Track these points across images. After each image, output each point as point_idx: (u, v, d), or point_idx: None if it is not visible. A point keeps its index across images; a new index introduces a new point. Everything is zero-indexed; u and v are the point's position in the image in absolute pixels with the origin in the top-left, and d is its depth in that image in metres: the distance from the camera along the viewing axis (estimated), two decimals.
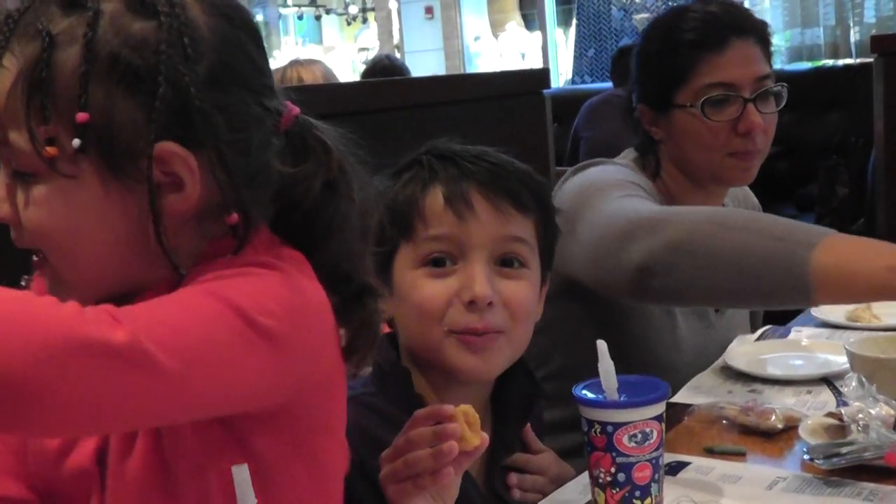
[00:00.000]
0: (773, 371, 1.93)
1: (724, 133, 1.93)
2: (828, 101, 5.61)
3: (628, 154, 2.09)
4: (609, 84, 6.06)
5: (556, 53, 8.20)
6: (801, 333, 2.18)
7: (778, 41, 6.04)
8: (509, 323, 1.43)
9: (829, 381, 1.86)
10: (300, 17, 15.10)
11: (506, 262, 1.44)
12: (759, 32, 1.98)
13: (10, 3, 1.04)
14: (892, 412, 1.52)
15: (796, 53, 5.99)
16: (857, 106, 5.28)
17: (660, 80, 1.99)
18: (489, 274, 1.41)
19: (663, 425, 1.32)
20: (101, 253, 1.07)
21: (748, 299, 1.72)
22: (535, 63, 10.32)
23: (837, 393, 1.79)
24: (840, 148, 5.15)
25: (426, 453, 1.20)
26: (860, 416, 1.51)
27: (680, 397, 1.83)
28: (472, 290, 1.39)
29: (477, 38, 10.91)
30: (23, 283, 1.12)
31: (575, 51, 8.22)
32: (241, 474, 0.92)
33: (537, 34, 8.76)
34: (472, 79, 4.21)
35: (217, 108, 1.04)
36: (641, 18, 7.47)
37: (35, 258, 1.09)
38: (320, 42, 15.44)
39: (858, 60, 5.72)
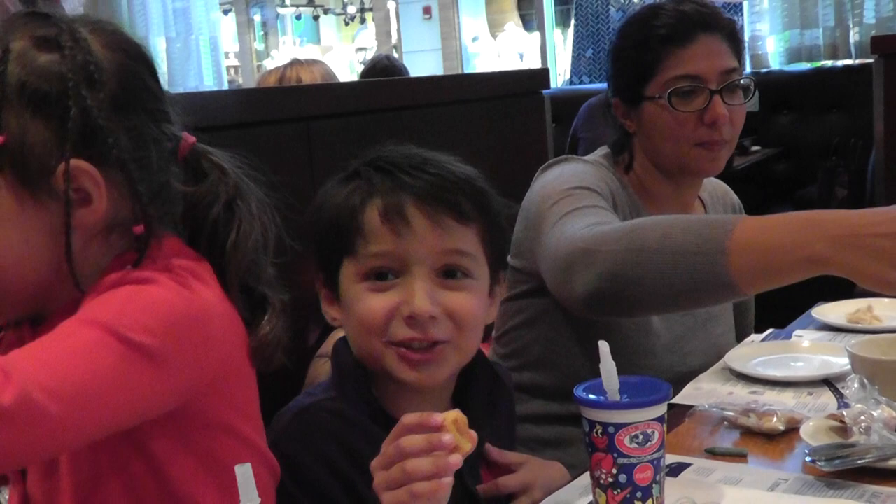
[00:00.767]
0: (774, 373, 1.93)
1: (691, 123, 1.98)
2: (827, 103, 5.61)
3: (601, 150, 2.12)
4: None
5: (555, 54, 8.19)
6: (802, 336, 2.17)
7: (777, 42, 6.03)
8: (454, 333, 1.44)
9: (830, 382, 1.86)
10: (298, 17, 15.10)
11: (449, 274, 1.44)
12: (726, 29, 2.04)
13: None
14: (893, 414, 1.51)
15: (795, 54, 5.97)
16: (857, 107, 5.28)
17: (631, 73, 2.05)
18: (430, 288, 1.42)
19: (665, 426, 1.32)
20: (20, 267, 1.18)
21: (687, 308, 1.86)
22: (534, 63, 10.33)
23: (839, 395, 1.78)
24: (839, 149, 5.14)
25: (426, 463, 1.17)
26: (862, 418, 1.51)
27: (681, 398, 1.83)
28: (411, 305, 1.40)
29: (475, 39, 10.91)
30: None
31: (573, 51, 8.21)
32: (245, 473, 0.92)
33: (536, 34, 8.75)
34: (473, 79, 4.21)
35: (120, 128, 1.18)
36: None
37: None
38: (318, 42, 15.43)
39: (858, 61, 5.71)
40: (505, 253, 1.58)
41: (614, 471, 1.29)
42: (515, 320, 2.06)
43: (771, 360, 2.01)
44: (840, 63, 5.90)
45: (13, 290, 1.20)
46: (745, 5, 6.29)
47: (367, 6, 13.11)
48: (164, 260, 1.21)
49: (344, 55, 14.44)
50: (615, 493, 1.29)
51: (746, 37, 6.06)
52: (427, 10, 10.78)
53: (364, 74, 5.44)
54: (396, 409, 1.43)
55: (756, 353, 2.04)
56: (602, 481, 1.30)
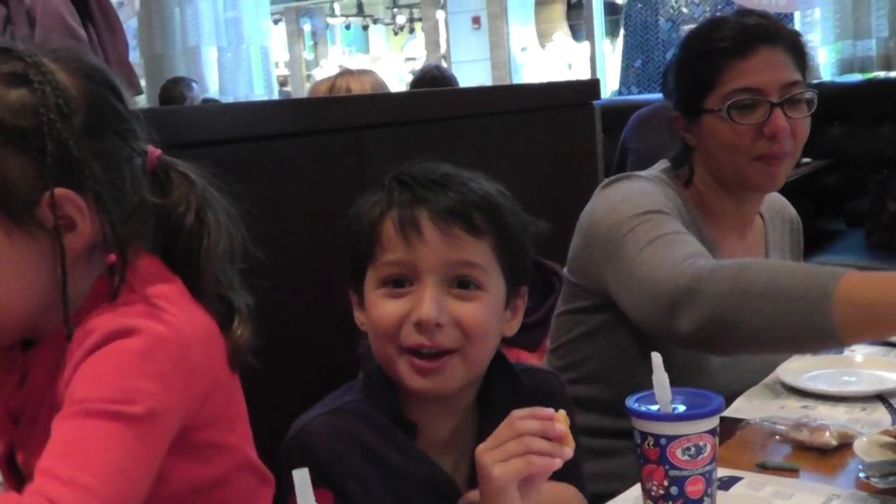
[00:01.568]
0: (827, 387, 1.91)
1: (750, 136, 1.96)
2: (879, 114, 5.56)
3: (660, 164, 2.10)
4: (657, 95, 6.03)
5: (604, 64, 8.18)
6: (855, 350, 2.15)
7: (829, 53, 5.99)
8: (463, 342, 1.47)
9: (884, 398, 1.84)
10: (347, 27, 15.19)
11: (462, 285, 1.48)
12: (789, 41, 2.02)
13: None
14: None
15: (847, 65, 5.93)
16: None
17: (692, 86, 2.03)
18: (440, 296, 1.46)
19: (717, 439, 1.31)
20: (12, 300, 1.23)
21: (788, 352, 1.91)
22: (582, 73, 10.31)
23: (893, 411, 1.77)
24: (891, 161, 5.09)
25: (544, 441, 1.27)
26: None
27: (732, 412, 1.82)
28: (419, 311, 1.44)
29: (524, 49, 10.90)
30: None
31: (622, 61, 8.21)
32: (302, 478, 0.94)
33: (585, 44, 8.74)
34: (523, 89, 4.21)
35: (93, 154, 1.23)
36: (689, 29, 7.45)
37: None
38: (367, 51, 15.50)
39: None
40: (524, 268, 1.59)
41: (666, 483, 1.29)
42: (571, 334, 2.06)
43: (823, 374, 1.99)
44: (893, 74, 5.85)
45: (6, 323, 1.25)
46: (797, 16, 6.26)
47: (416, 16, 13.17)
48: (141, 286, 1.27)
49: (393, 65, 14.50)
50: None
51: None
52: (476, 20, 10.79)
53: (413, 84, 5.45)
54: (416, 416, 1.52)
55: (808, 367, 2.02)
56: (653, 493, 1.30)
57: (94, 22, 4.34)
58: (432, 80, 5.15)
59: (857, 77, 5.93)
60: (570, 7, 12.30)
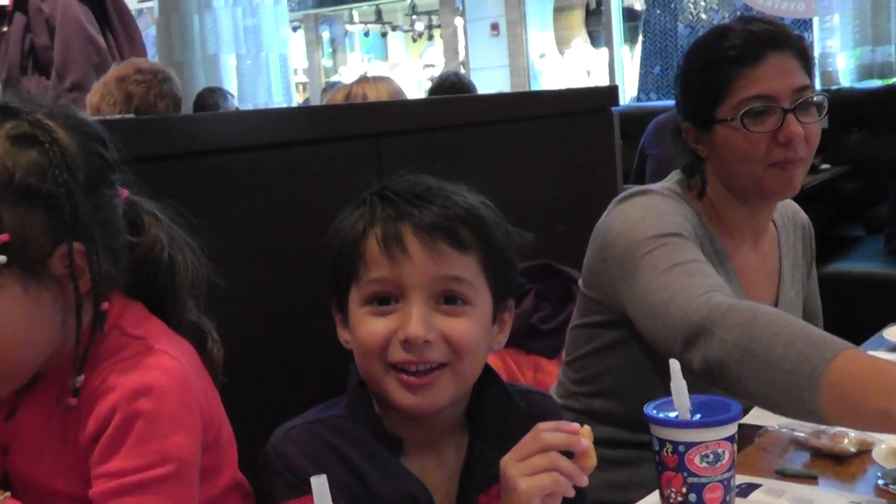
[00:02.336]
0: None
1: (765, 144, 1.94)
2: None
3: (674, 176, 2.09)
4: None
5: (623, 70, 8.18)
6: None
7: (848, 59, 5.97)
8: (452, 357, 1.46)
9: None
10: (366, 34, 15.22)
11: (449, 300, 1.47)
12: (796, 46, 1.98)
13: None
14: None
15: (867, 71, 5.90)
16: None
17: (701, 97, 2.01)
18: (426, 313, 1.45)
19: (735, 446, 1.31)
20: (29, 348, 1.30)
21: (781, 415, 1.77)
22: (601, 80, 10.31)
23: None
24: None
25: (568, 462, 1.28)
26: None
27: (751, 418, 1.81)
28: (406, 329, 1.43)
29: (542, 56, 10.91)
30: None
31: (641, 68, 8.20)
32: (321, 485, 0.95)
33: (603, 51, 8.75)
34: (541, 96, 4.21)
35: (94, 207, 1.31)
36: None
37: None
38: (386, 59, 15.53)
39: None
40: (511, 282, 1.58)
41: (684, 490, 1.29)
42: (586, 348, 2.05)
43: None
44: None
45: (22, 370, 1.32)
46: (816, 22, 6.24)
47: (434, 23, 13.19)
48: (133, 328, 1.36)
49: (411, 72, 14.52)
50: None
51: (817, 53, 6.00)
52: (495, 27, 10.81)
53: (432, 91, 5.46)
54: (402, 432, 1.51)
55: None
56: (672, 500, 1.30)
57: (113, 30, 4.37)
58: (450, 87, 5.15)
59: (876, 83, 5.90)
60: (588, 14, 12.30)
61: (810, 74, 1.99)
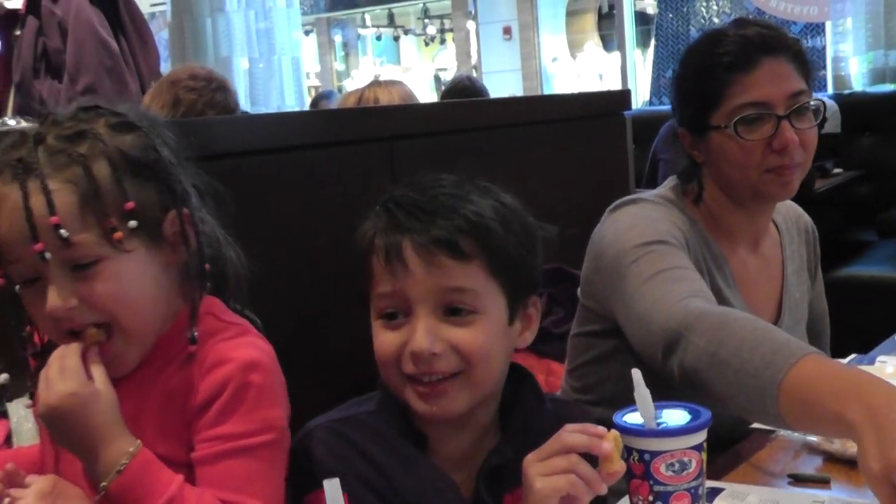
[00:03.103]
0: None
1: (759, 151, 1.92)
2: None
3: (669, 182, 2.08)
4: None
5: (635, 74, 8.18)
6: (886, 361, 2.14)
7: (860, 63, 5.96)
8: (463, 365, 1.47)
9: None
10: (378, 38, 15.23)
11: (454, 311, 1.47)
12: (791, 50, 1.96)
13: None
14: None
15: (879, 75, 5.89)
16: None
17: (696, 103, 1.99)
18: (433, 326, 1.46)
19: (704, 455, 1.30)
20: (155, 304, 1.46)
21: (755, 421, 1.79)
22: (613, 84, 10.30)
23: None
24: None
25: (588, 467, 1.28)
26: None
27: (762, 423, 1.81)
28: (412, 344, 1.45)
29: (555, 59, 10.91)
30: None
31: (653, 72, 8.20)
32: (333, 488, 0.95)
33: (615, 55, 8.74)
34: (554, 100, 4.21)
35: (183, 178, 1.49)
36: None
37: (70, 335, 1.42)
38: (398, 62, 15.54)
39: None
40: (529, 279, 1.57)
41: (651, 498, 1.29)
42: (585, 357, 2.04)
43: None
44: None
45: (150, 334, 1.46)
46: (828, 26, 6.24)
47: (447, 27, 13.20)
48: (225, 315, 1.52)
49: (424, 75, 14.53)
50: None
51: (829, 58, 6.00)
52: (507, 31, 10.81)
53: (444, 95, 5.47)
54: (429, 431, 1.53)
55: None
56: None
57: (126, 33, 4.37)
58: (463, 91, 5.17)
59: (888, 87, 5.89)
60: (601, 17, 12.30)
61: (807, 79, 1.97)
